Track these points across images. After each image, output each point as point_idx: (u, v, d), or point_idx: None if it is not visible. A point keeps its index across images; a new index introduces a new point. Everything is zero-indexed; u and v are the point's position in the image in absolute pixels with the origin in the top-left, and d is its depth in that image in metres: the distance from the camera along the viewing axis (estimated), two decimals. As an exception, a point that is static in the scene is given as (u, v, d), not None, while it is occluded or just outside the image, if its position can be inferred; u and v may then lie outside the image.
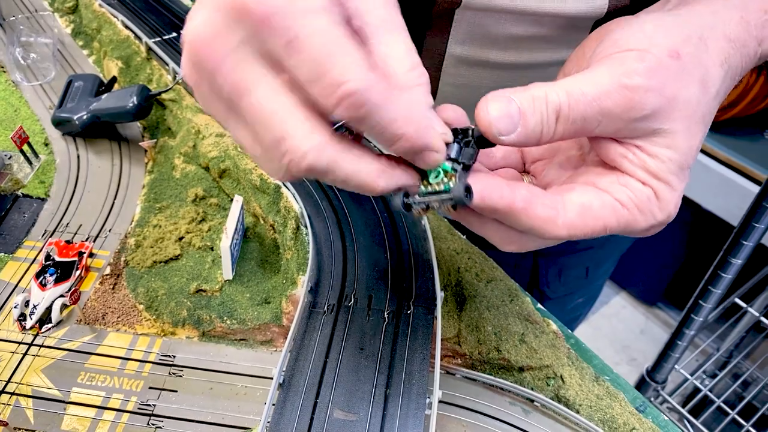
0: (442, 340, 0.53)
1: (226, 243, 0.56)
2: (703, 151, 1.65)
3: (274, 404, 0.45)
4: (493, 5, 0.53)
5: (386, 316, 0.50)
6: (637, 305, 2.16)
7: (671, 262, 1.98)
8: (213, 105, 0.34)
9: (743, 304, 1.25)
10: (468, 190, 0.33)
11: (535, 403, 0.54)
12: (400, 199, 0.34)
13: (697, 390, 1.24)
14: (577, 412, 0.53)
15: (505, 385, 0.54)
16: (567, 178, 0.40)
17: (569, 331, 0.61)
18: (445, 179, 0.33)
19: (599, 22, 0.53)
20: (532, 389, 0.54)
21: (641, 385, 1.15)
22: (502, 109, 0.33)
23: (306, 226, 0.59)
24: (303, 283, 0.53)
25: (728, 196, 1.61)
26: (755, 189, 1.56)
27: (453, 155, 0.33)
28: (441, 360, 0.52)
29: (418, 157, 0.33)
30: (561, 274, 0.85)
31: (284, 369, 0.46)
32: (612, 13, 0.53)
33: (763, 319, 1.26)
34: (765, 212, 0.79)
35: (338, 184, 0.34)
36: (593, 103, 0.33)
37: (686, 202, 1.74)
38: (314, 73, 0.29)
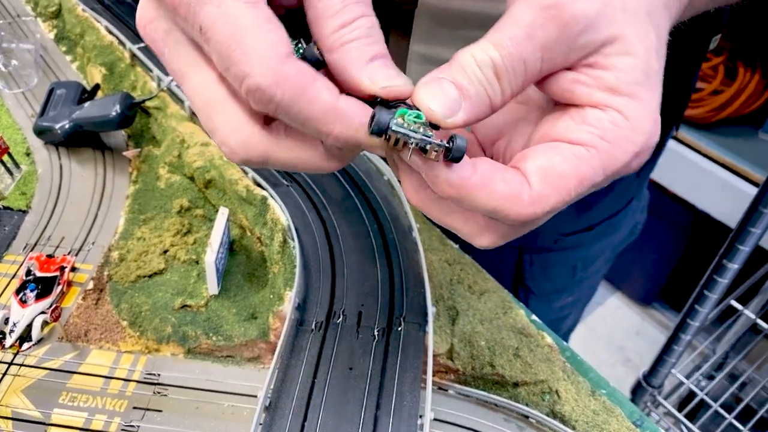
0: (434, 355, 0.52)
1: (210, 257, 0.55)
2: (697, 151, 1.64)
3: (261, 424, 0.43)
4: (448, 8, 0.53)
5: (376, 333, 0.49)
6: (633, 305, 2.15)
7: (667, 262, 1.98)
8: None
9: (739, 306, 1.24)
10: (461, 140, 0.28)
11: (530, 419, 0.53)
12: (385, 118, 0.28)
13: (693, 392, 1.23)
14: (574, 429, 0.52)
15: (499, 401, 0.53)
16: (526, 141, 0.35)
17: (564, 343, 0.60)
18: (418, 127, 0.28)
19: None
20: (527, 405, 0.53)
21: (637, 390, 1.14)
22: (436, 92, 0.29)
23: (293, 239, 0.57)
24: (290, 300, 0.51)
25: (723, 197, 1.60)
26: (750, 189, 1.56)
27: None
28: (433, 376, 0.51)
29: (357, 150, 0.31)
30: (546, 270, 0.83)
31: (270, 390, 0.45)
32: None
33: (759, 321, 1.25)
34: (761, 217, 0.78)
35: (286, 169, 0.32)
36: (525, 42, 0.29)
37: (681, 201, 1.73)
38: (223, 63, 0.28)
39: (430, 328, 0.50)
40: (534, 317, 0.61)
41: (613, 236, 0.86)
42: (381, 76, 0.30)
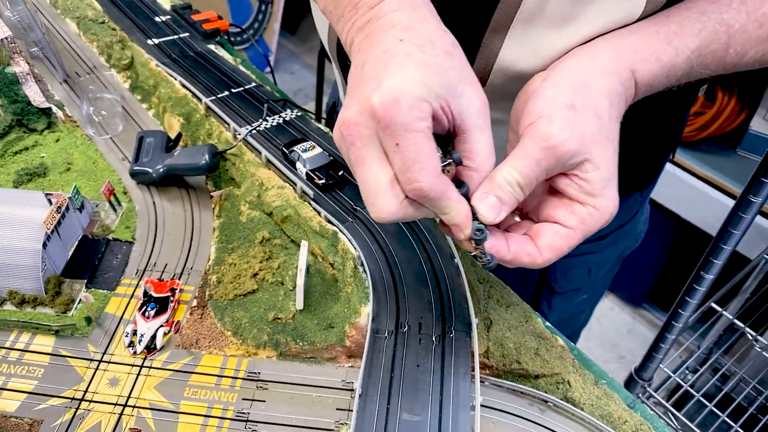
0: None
1: (300, 281, 0.70)
2: (682, 167, 1.81)
3: (357, 411, 0.59)
4: (507, 91, 0.67)
5: (434, 339, 0.65)
6: (624, 306, 2.32)
7: (655, 266, 2.15)
8: (346, 160, 0.52)
9: (718, 308, 1.41)
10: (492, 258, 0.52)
11: (549, 403, 0.68)
12: (485, 234, 0.51)
13: (680, 384, 1.39)
14: (582, 410, 0.68)
15: (524, 389, 0.68)
16: (536, 204, 0.56)
17: (572, 343, 0.76)
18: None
19: None
20: (545, 392, 0.69)
21: (630, 383, 1.31)
22: (487, 207, 0.50)
23: (363, 265, 0.73)
24: (367, 314, 0.67)
25: (704, 208, 1.78)
26: (726, 200, 1.73)
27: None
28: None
29: (453, 229, 0.51)
30: (567, 272, 1.01)
31: (362, 383, 0.60)
32: None
33: (736, 321, 1.42)
34: (731, 236, 0.95)
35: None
36: (535, 168, 0.49)
37: (667, 212, 1.90)
38: (403, 167, 0.47)
39: (474, 334, 0.66)
40: (548, 324, 0.77)
41: (621, 243, 1.04)
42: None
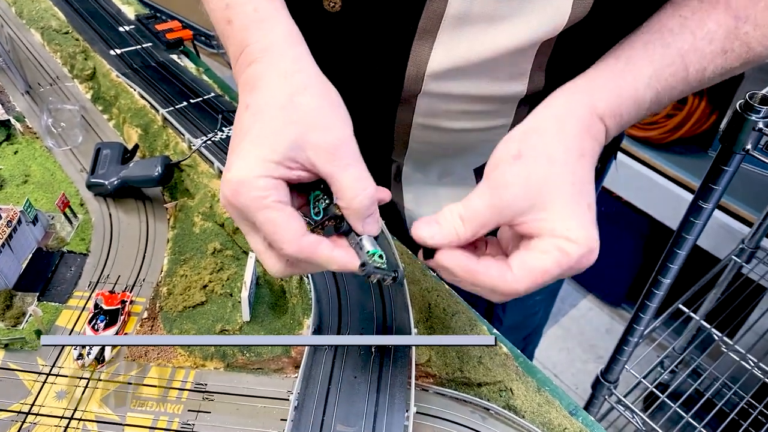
0: (417, 364, 0.69)
1: (245, 294, 0.71)
2: (654, 169, 1.83)
3: (292, 420, 0.60)
4: (444, 93, 0.70)
5: (373, 350, 0.66)
6: (603, 307, 2.34)
7: (632, 266, 2.17)
8: None
9: (686, 309, 1.42)
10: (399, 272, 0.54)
11: (491, 411, 0.69)
12: (363, 265, 0.52)
13: (657, 384, 1.41)
14: (523, 417, 0.69)
15: (467, 397, 0.70)
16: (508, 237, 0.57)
17: (517, 350, 0.77)
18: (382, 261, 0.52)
19: (522, 100, 0.71)
20: (488, 400, 0.70)
21: (597, 384, 1.32)
22: (426, 228, 0.52)
23: (308, 277, 0.74)
24: (309, 326, 0.68)
25: (676, 209, 1.79)
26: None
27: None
28: (416, 380, 0.68)
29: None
30: None
31: (298, 394, 0.61)
32: (530, 96, 0.70)
33: (703, 323, 1.44)
34: (693, 226, 0.98)
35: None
36: (479, 204, 0.51)
37: (642, 214, 1.92)
38: (270, 238, 0.51)
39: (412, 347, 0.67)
40: (495, 331, 0.78)
41: None
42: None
